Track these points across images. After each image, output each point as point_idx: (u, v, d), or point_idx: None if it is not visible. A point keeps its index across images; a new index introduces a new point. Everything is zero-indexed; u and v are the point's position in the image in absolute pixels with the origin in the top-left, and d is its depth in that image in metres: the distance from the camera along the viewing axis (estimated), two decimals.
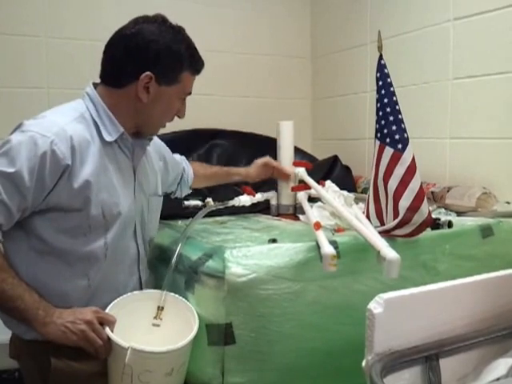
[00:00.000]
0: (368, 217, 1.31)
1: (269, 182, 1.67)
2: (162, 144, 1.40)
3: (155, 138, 1.30)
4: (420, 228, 1.18)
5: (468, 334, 1.00)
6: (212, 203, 1.53)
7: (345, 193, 1.48)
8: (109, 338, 1.02)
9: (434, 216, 1.33)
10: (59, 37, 1.95)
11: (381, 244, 1.06)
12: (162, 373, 1.02)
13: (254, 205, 1.57)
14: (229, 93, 2.30)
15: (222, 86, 2.26)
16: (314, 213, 1.38)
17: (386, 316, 0.89)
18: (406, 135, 1.22)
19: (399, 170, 1.20)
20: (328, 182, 1.54)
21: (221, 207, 1.46)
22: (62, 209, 1.05)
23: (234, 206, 1.49)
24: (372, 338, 0.89)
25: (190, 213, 1.39)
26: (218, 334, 1.04)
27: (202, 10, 2.21)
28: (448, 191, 1.63)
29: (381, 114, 1.26)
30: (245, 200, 1.51)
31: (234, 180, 1.60)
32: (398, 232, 1.20)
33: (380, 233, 1.15)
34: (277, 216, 1.66)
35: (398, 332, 0.92)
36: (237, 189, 1.61)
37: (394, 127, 1.23)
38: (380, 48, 1.29)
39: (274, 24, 2.40)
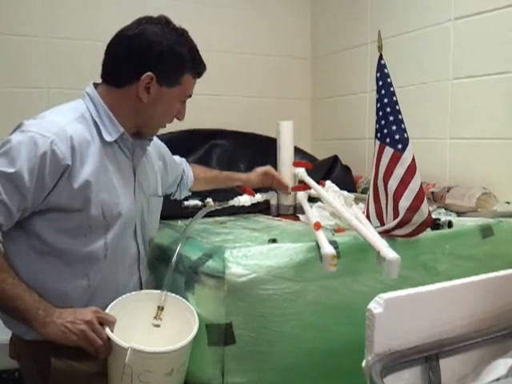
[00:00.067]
0: (368, 217, 1.31)
1: None
2: (162, 145, 1.40)
3: (155, 139, 1.30)
4: (420, 228, 1.18)
5: (468, 334, 1.00)
6: (212, 203, 1.54)
7: (345, 193, 1.48)
8: (109, 338, 1.02)
9: (433, 216, 1.33)
10: (59, 37, 1.95)
11: (381, 244, 1.06)
12: (161, 373, 1.02)
13: (253, 205, 1.57)
14: (229, 93, 2.30)
15: (222, 86, 2.26)
16: (313, 213, 1.39)
17: (386, 316, 0.89)
18: (406, 135, 1.22)
19: (399, 170, 1.20)
20: (328, 182, 1.54)
21: (220, 207, 1.46)
22: (62, 209, 1.05)
23: (233, 206, 1.49)
24: (372, 338, 0.89)
25: (190, 213, 1.39)
26: (217, 334, 1.04)
27: (203, 9, 2.21)
28: (448, 191, 1.63)
29: (381, 113, 1.26)
30: (244, 200, 1.51)
31: (235, 185, 1.61)
32: (397, 232, 1.20)
33: (380, 233, 1.15)
34: (277, 216, 1.66)
35: (398, 332, 0.92)
36: (237, 189, 1.61)
37: (394, 127, 1.23)
38: (380, 48, 1.29)
39: (275, 24, 2.40)
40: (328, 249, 1.06)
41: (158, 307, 1.11)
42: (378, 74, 1.29)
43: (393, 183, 1.20)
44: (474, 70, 1.65)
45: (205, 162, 1.85)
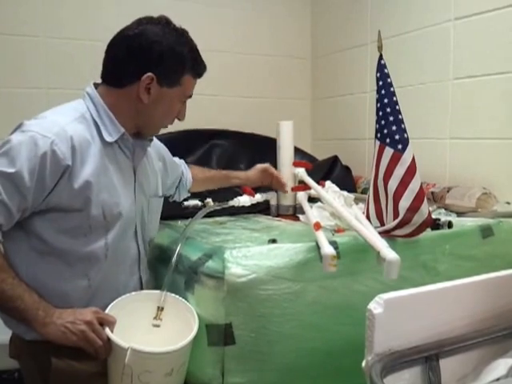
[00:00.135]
0: (368, 217, 1.31)
1: None
2: (162, 145, 1.40)
3: (155, 140, 1.30)
4: (420, 228, 1.18)
5: (468, 335, 1.00)
6: (212, 203, 1.54)
7: (345, 193, 1.48)
8: (109, 339, 1.02)
9: (433, 216, 1.33)
10: (59, 37, 1.95)
11: (381, 244, 1.06)
12: (161, 373, 1.02)
13: (253, 205, 1.57)
14: (229, 93, 2.30)
15: (222, 86, 2.26)
16: (313, 213, 1.39)
17: (386, 316, 0.89)
18: (406, 135, 1.22)
19: (399, 171, 1.20)
20: (328, 183, 1.54)
21: (220, 208, 1.46)
22: (62, 209, 1.05)
23: (233, 206, 1.49)
24: (372, 339, 0.89)
25: (190, 213, 1.39)
26: (217, 335, 1.04)
27: (203, 9, 2.21)
28: (448, 191, 1.63)
29: (381, 114, 1.26)
30: (244, 200, 1.51)
31: (233, 184, 1.60)
32: (398, 232, 1.20)
33: (380, 233, 1.15)
34: (277, 216, 1.66)
35: (398, 332, 0.92)
36: (236, 189, 1.61)
37: (394, 127, 1.23)
38: (380, 48, 1.29)
39: (275, 24, 2.40)
40: (328, 249, 1.06)
41: (158, 307, 1.11)
42: (378, 74, 1.29)
43: (393, 183, 1.20)
44: (474, 70, 1.65)
45: (204, 163, 1.85)
